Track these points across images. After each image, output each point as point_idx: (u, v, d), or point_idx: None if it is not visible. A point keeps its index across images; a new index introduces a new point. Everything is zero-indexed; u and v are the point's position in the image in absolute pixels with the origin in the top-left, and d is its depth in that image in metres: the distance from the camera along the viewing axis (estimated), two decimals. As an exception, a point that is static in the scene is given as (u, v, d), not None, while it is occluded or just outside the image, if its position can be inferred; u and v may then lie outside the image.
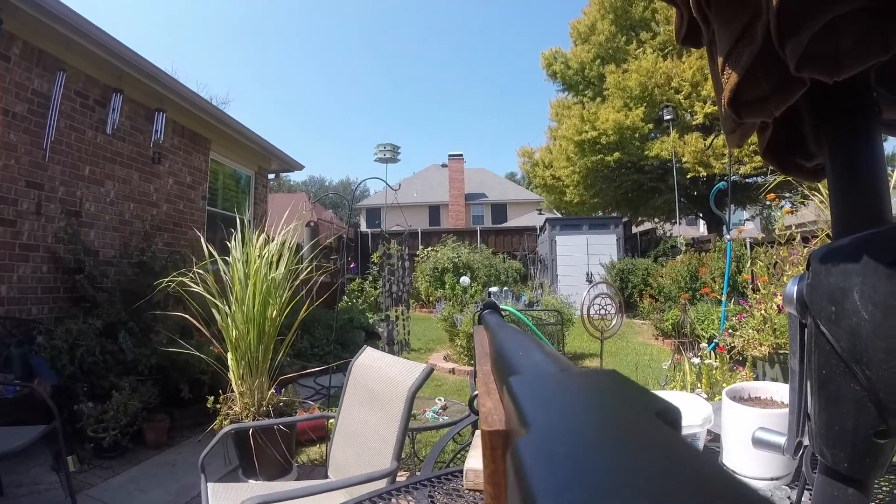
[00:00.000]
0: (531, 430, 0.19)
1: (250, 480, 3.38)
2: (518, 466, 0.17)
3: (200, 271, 3.71)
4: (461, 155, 35.11)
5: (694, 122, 15.57)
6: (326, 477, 2.58)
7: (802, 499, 0.94)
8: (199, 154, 7.73)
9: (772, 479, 1.10)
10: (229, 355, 3.61)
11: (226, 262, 3.79)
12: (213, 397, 3.70)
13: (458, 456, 2.86)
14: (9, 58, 4.66)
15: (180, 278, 3.71)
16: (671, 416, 0.21)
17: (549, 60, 19.21)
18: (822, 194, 4.42)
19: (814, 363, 0.63)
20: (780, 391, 1.20)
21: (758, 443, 0.79)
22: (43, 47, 4.97)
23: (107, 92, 5.80)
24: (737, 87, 0.64)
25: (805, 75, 0.60)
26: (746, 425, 1.05)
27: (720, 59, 0.67)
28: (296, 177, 58.44)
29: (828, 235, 4.28)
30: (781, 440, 0.75)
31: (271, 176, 10.82)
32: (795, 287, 0.64)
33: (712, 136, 15.34)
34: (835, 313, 0.58)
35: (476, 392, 0.45)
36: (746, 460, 1.11)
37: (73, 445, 3.86)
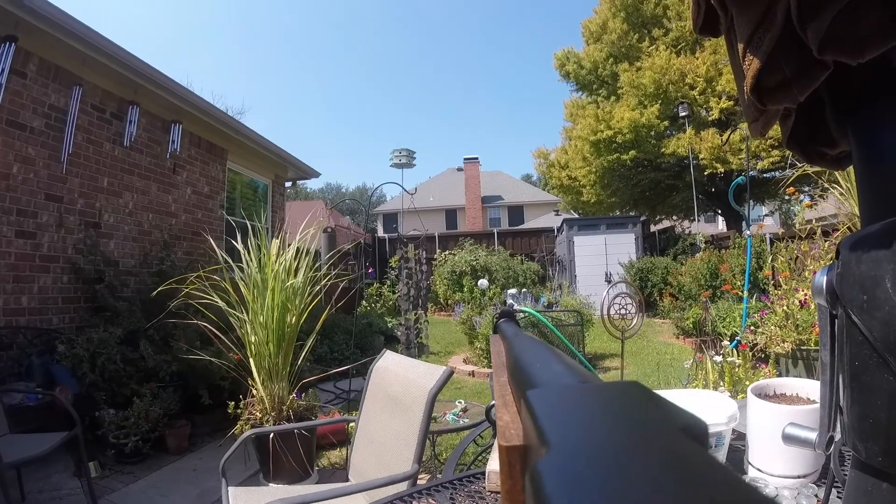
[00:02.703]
0: (551, 450, 0.19)
1: (271, 484, 3.39)
2: (538, 490, 0.16)
3: (218, 279, 3.73)
4: (476, 158, 35.11)
5: (710, 118, 15.46)
6: (347, 480, 2.58)
7: (830, 497, 0.91)
8: (216, 164, 7.80)
9: (798, 477, 1.07)
10: (250, 361, 3.63)
11: (243, 270, 3.81)
12: (233, 402, 3.73)
13: (480, 458, 2.84)
14: (25, 74, 4.74)
15: (191, 288, 3.74)
16: (697, 431, 0.20)
17: (561, 61, 19.16)
18: (841, 187, 4.36)
19: (846, 354, 0.61)
20: (806, 387, 1.18)
21: (788, 438, 0.77)
22: (59, 63, 5.05)
23: (123, 105, 5.87)
24: (759, 73, 0.63)
25: (828, 58, 0.58)
26: (773, 422, 1.02)
27: (740, 46, 0.65)
28: (312, 184, 58.77)
29: (849, 228, 4.22)
30: (812, 435, 0.73)
31: (288, 184, 10.87)
32: (825, 277, 0.62)
33: (729, 132, 15.19)
34: (866, 302, 0.56)
35: (493, 402, 0.44)
36: (773, 458, 1.09)
37: (94, 452, 3.90)
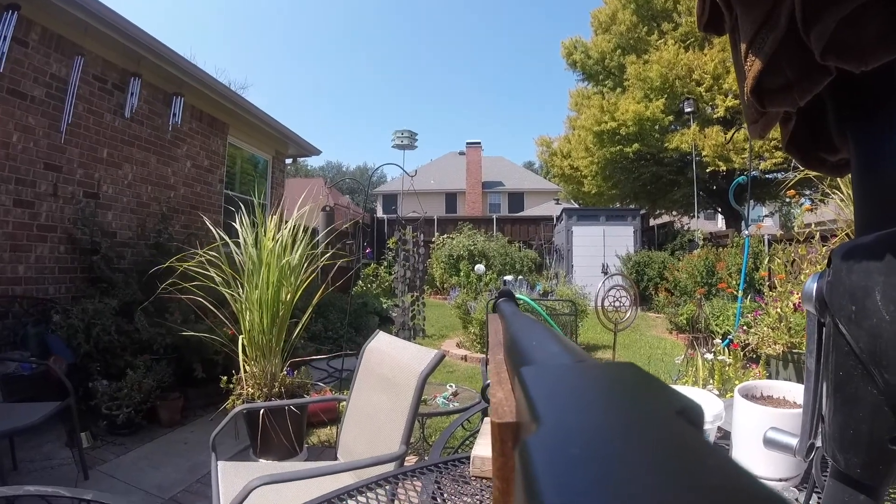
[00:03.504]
0: (541, 426, 0.18)
1: (260, 460, 3.41)
2: (526, 465, 0.16)
3: (214, 254, 3.73)
4: (479, 143, 34.97)
5: (715, 116, 15.39)
6: (336, 458, 2.59)
7: (811, 502, 0.92)
8: (216, 138, 7.76)
9: (780, 480, 1.08)
10: (242, 337, 3.63)
11: (240, 246, 3.80)
12: (226, 377, 3.73)
13: (467, 442, 2.86)
14: (27, 43, 4.70)
15: (185, 263, 3.73)
16: (693, 415, 0.19)
17: (569, 50, 19.02)
18: (842, 192, 4.35)
19: (831, 364, 0.61)
20: (794, 391, 1.18)
21: (769, 443, 0.77)
22: (61, 32, 5.01)
23: (125, 76, 5.84)
24: (760, 74, 0.62)
25: (830, 64, 0.58)
26: (758, 424, 1.03)
27: (743, 46, 0.64)
28: (313, 162, 58.45)
29: (847, 234, 4.22)
30: (793, 441, 0.73)
31: (289, 160, 10.84)
32: (815, 284, 0.62)
33: (733, 130, 15.15)
34: (855, 313, 0.56)
35: (489, 381, 0.44)
36: (756, 459, 1.09)
37: (87, 422, 3.92)
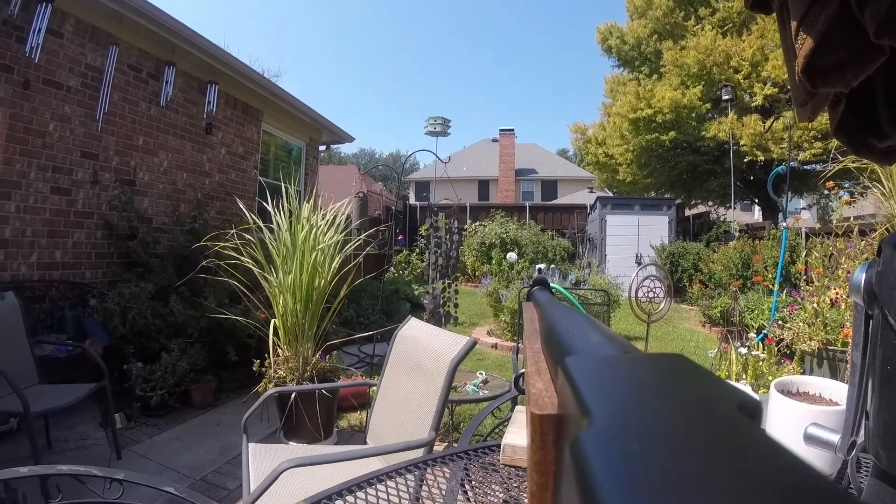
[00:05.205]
0: (594, 422, 0.17)
1: (291, 443, 3.45)
2: (581, 464, 0.15)
3: (249, 237, 3.76)
4: (512, 130, 34.74)
5: (753, 104, 15.02)
6: (365, 443, 2.61)
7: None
8: (251, 125, 7.85)
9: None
10: (275, 321, 3.67)
11: (273, 232, 3.83)
12: (258, 361, 3.78)
13: (497, 430, 2.86)
14: (62, 34, 4.80)
15: (222, 246, 3.77)
16: (753, 410, 0.18)
17: (604, 35, 18.73)
18: (883, 186, 4.22)
19: (878, 357, 0.58)
20: (830, 388, 1.15)
21: (809, 439, 0.75)
22: (95, 23, 5.10)
23: (159, 65, 5.93)
24: (812, 53, 0.59)
25: (885, 43, 0.55)
26: (794, 420, 1.00)
27: (793, 24, 0.62)
28: (346, 149, 58.65)
29: (887, 229, 4.09)
30: (835, 438, 0.70)
31: (322, 147, 10.90)
32: (864, 275, 0.59)
33: (772, 119, 14.77)
34: (906, 304, 0.53)
35: (522, 370, 0.43)
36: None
37: (121, 404, 4.01)
